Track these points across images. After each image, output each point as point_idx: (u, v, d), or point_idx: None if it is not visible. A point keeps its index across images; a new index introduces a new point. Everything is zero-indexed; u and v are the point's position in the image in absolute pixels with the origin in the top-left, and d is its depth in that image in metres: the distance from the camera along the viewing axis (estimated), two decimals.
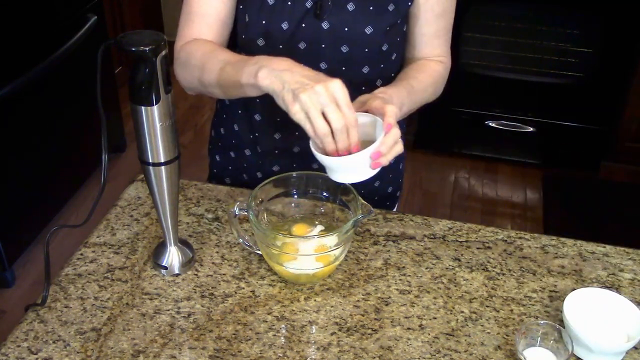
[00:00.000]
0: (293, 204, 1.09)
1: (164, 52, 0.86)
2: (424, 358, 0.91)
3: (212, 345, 0.91)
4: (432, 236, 1.13)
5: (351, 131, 0.86)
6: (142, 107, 0.88)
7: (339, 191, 1.05)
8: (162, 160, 0.93)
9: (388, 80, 1.16)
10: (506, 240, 1.12)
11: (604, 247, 1.12)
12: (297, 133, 1.18)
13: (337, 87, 0.85)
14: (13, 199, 2.25)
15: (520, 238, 1.13)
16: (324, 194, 1.07)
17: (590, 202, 2.80)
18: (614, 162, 2.93)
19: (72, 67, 2.40)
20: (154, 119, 0.89)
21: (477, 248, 1.10)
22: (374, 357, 0.90)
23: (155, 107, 0.88)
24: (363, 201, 0.98)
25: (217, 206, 1.17)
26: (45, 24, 2.28)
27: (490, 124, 2.93)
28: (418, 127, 3.00)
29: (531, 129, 2.90)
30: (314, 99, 0.84)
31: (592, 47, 2.68)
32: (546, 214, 2.72)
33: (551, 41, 2.70)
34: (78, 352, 0.90)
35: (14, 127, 2.20)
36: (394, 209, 1.39)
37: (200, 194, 1.20)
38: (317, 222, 1.07)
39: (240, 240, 1.04)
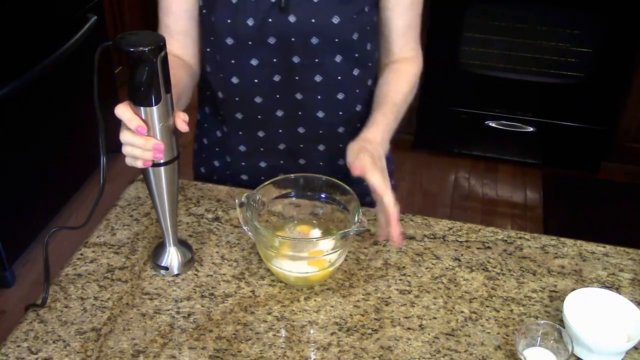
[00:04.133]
0: (293, 205, 1.09)
1: (163, 53, 0.86)
2: (424, 358, 0.91)
3: (212, 345, 0.91)
4: (432, 236, 1.12)
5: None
6: (142, 108, 0.88)
7: (338, 192, 1.05)
8: (162, 160, 0.93)
9: (365, 70, 1.16)
10: (506, 240, 1.12)
11: (604, 247, 1.12)
12: (280, 131, 1.19)
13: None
14: (13, 199, 2.25)
15: (520, 238, 1.13)
16: (323, 195, 1.07)
17: (590, 202, 2.80)
18: (614, 162, 2.93)
19: (72, 67, 2.40)
20: (153, 119, 0.89)
21: (477, 248, 1.10)
22: (374, 357, 0.90)
23: (155, 108, 0.88)
24: (362, 217, 0.98)
25: (217, 206, 1.17)
26: (45, 24, 2.28)
27: (490, 124, 2.93)
28: (418, 127, 3.01)
29: (531, 129, 2.90)
30: None
31: (592, 47, 2.68)
32: (546, 214, 2.72)
33: (551, 41, 2.70)
34: (78, 352, 0.90)
35: (14, 127, 2.20)
36: None
37: (200, 194, 1.20)
38: (315, 223, 1.07)
39: (245, 228, 1.03)
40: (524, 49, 2.75)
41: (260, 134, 1.21)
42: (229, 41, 1.10)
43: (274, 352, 0.91)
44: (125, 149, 0.90)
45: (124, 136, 0.90)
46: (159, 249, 1.03)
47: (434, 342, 0.93)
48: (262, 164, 1.25)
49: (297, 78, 1.12)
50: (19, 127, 2.22)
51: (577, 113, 2.82)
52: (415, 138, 3.04)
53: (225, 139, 1.25)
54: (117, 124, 0.90)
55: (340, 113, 1.18)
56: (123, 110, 0.88)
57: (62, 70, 2.34)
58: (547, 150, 2.96)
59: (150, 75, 0.85)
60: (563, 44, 2.70)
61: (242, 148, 1.24)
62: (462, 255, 1.09)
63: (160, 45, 0.85)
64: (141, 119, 0.89)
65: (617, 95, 2.73)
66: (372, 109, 1.15)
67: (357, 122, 1.21)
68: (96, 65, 0.88)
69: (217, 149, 1.29)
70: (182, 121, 0.93)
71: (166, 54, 0.87)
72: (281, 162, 1.24)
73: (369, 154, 1.01)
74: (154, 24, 1.18)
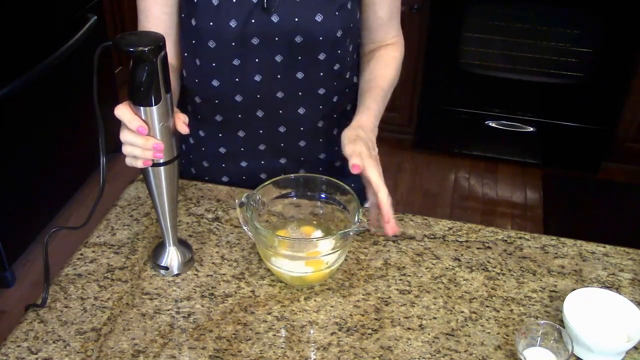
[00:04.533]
0: (293, 205, 1.09)
1: (163, 52, 0.86)
2: (424, 358, 0.91)
3: (212, 345, 0.91)
4: (432, 236, 1.12)
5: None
6: (142, 108, 0.88)
7: (338, 192, 1.05)
8: (162, 160, 0.93)
9: (344, 65, 1.16)
10: (506, 240, 1.12)
11: (604, 247, 1.12)
12: (260, 131, 1.19)
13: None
14: (13, 199, 2.25)
15: (520, 238, 1.13)
16: (323, 195, 1.07)
17: (590, 202, 2.80)
18: (614, 162, 2.93)
19: (72, 67, 2.40)
20: (153, 119, 0.89)
21: (477, 248, 1.10)
22: (374, 357, 0.90)
23: (154, 108, 0.88)
24: (362, 217, 0.98)
25: (217, 206, 1.17)
26: (45, 24, 2.28)
27: (490, 124, 2.93)
28: (418, 127, 3.01)
29: (531, 129, 2.90)
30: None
31: (592, 47, 2.68)
32: (546, 214, 2.73)
33: (551, 41, 2.70)
34: (78, 352, 0.90)
35: (14, 127, 2.20)
36: None
37: (200, 194, 1.20)
38: (316, 224, 1.07)
39: (245, 228, 1.03)
40: (524, 49, 2.75)
41: (241, 133, 1.20)
42: (211, 44, 1.09)
43: (274, 352, 0.91)
44: (125, 149, 0.90)
45: (124, 136, 0.90)
46: (159, 249, 1.03)
47: (434, 342, 0.93)
48: (243, 164, 1.24)
49: (278, 77, 1.12)
50: (18, 127, 2.22)
51: (577, 113, 2.82)
52: (415, 138, 3.04)
53: (202, 145, 1.25)
54: (117, 123, 0.90)
55: (320, 107, 1.18)
56: (123, 111, 0.88)
57: (62, 70, 2.34)
58: (547, 150, 2.96)
59: (150, 75, 0.85)
60: (563, 44, 2.70)
61: (222, 150, 1.24)
62: (462, 255, 1.09)
63: (160, 45, 0.85)
64: (141, 119, 0.89)
65: (617, 95, 2.73)
66: (360, 94, 1.16)
67: (335, 113, 1.21)
68: (96, 65, 0.88)
69: (191, 156, 1.28)
70: (182, 123, 0.93)
71: (166, 54, 0.87)
72: (262, 162, 1.23)
73: (364, 143, 1.02)
74: None
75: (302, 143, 1.21)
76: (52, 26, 2.32)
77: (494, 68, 2.82)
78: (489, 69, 2.83)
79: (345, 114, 1.21)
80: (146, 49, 0.84)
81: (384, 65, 1.19)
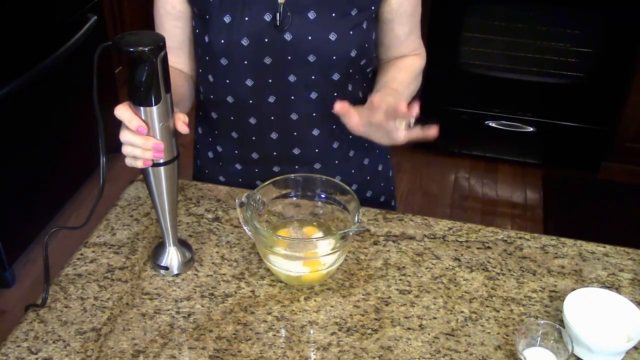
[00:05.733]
0: (293, 205, 1.09)
1: (163, 52, 0.85)
2: (424, 358, 0.91)
3: (212, 345, 0.91)
4: (432, 236, 1.12)
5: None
6: (142, 108, 0.88)
7: (338, 192, 1.05)
8: (162, 160, 0.93)
9: (357, 84, 1.15)
10: (506, 240, 1.12)
11: (604, 247, 1.12)
12: (274, 153, 1.19)
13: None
14: (13, 199, 2.25)
15: (520, 238, 1.13)
16: (323, 195, 1.07)
17: (590, 202, 2.80)
18: (614, 162, 2.93)
19: (72, 67, 2.40)
20: (153, 119, 0.89)
21: (477, 248, 1.10)
22: (374, 357, 0.90)
23: (154, 108, 0.88)
24: (362, 217, 0.97)
25: (217, 206, 1.17)
26: (45, 24, 2.28)
27: (490, 124, 2.93)
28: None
29: (531, 129, 2.90)
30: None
31: (592, 47, 2.68)
32: (546, 214, 2.72)
33: (551, 41, 2.70)
34: (78, 352, 0.90)
35: (14, 127, 2.20)
36: None
37: (200, 194, 1.20)
38: (315, 224, 1.07)
39: (245, 228, 1.03)
40: (524, 49, 2.75)
41: (255, 156, 1.20)
42: (224, 61, 1.09)
43: (274, 352, 0.91)
44: (125, 149, 0.90)
45: (124, 136, 0.90)
46: (159, 249, 1.03)
47: (434, 342, 0.93)
48: (258, 182, 1.24)
49: (292, 97, 1.11)
50: (18, 127, 2.22)
51: (577, 113, 2.82)
52: None
53: (220, 160, 1.25)
54: (117, 124, 0.90)
55: (334, 127, 1.17)
56: (122, 111, 0.88)
57: (62, 70, 2.34)
58: (547, 150, 2.96)
59: (150, 75, 0.85)
60: (563, 44, 2.70)
61: (238, 166, 1.24)
62: (462, 255, 1.09)
63: (160, 45, 0.85)
64: (141, 119, 0.89)
65: (617, 95, 2.73)
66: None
67: (350, 134, 1.20)
68: (96, 65, 0.88)
69: (206, 171, 1.28)
70: (182, 123, 0.93)
71: (166, 54, 0.87)
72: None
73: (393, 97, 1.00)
74: (153, 24, 1.18)
75: (316, 165, 1.21)
76: (52, 26, 2.32)
77: (494, 68, 2.82)
78: (489, 69, 2.83)
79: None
80: (146, 49, 0.84)
81: (397, 70, 1.17)
